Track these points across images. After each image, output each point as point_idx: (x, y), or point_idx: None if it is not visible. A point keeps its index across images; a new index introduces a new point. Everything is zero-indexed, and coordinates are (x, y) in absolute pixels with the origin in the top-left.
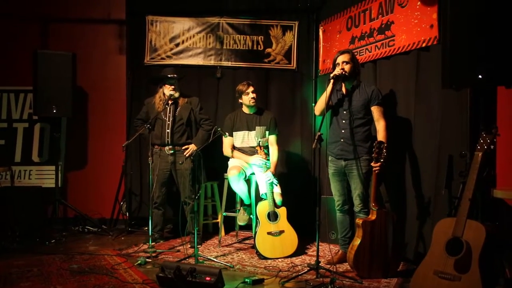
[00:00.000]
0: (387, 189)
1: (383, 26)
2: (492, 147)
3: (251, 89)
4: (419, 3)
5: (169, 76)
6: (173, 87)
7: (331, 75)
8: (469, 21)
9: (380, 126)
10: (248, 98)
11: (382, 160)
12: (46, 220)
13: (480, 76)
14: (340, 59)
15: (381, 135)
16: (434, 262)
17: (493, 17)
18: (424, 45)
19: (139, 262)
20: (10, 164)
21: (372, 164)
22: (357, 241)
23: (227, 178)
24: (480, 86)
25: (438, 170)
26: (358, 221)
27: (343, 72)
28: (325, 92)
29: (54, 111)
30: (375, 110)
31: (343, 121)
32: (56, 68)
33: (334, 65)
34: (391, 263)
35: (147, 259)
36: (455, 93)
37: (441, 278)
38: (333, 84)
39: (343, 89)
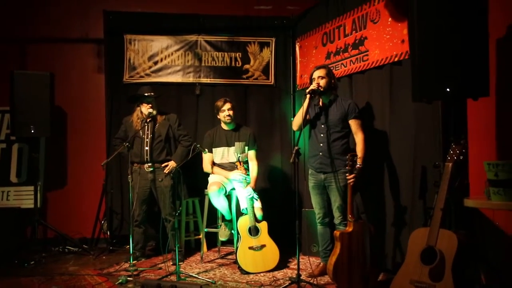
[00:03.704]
0: (366, 200)
1: (357, 41)
2: (461, 157)
3: (227, 106)
4: (390, 19)
5: (146, 94)
6: (150, 105)
7: (307, 90)
8: (436, 35)
9: (358, 139)
10: (223, 115)
11: (355, 172)
12: (25, 241)
13: (448, 89)
14: (316, 74)
15: (359, 148)
16: (410, 271)
17: (458, 32)
18: (396, 59)
19: (120, 281)
20: None
21: (347, 176)
22: (335, 253)
23: (207, 194)
24: (448, 99)
25: (413, 181)
26: (336, 233)
27: (319, 87)
28: (302, 107)
29: (32, 131)
30: (353, 124)
31: (321, 135)
32: (34, 88)
33: (311, 80)
34: (371, 274)
35: (128, 278)
36: (427, 105)
37: (417, 287)
38: (310, 99)
39: (320, 103)
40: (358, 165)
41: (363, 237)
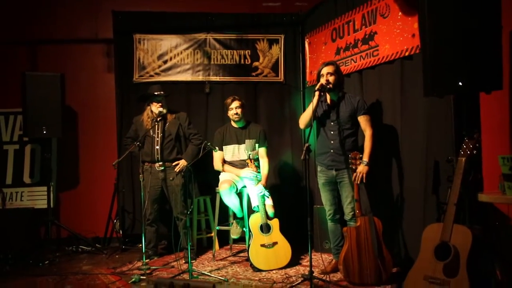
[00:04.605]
0: (378, 195)
1: (366, 36)
2: (475, 152)
3: (235, 104)
4: (400, 13)
5: (156, 93)
6: (160, 104)
7: (316, 87)
8: (447, 29)
9: (367, 135)
10: (232, 113)
11: (360, 169)
12: (39, 241)
13: (460, 83)
14: (325, 70)
15: (367, 143)
16: (424, 267)
17: (470, 24)
18: (407, 54)
19: (133, 279)
20: (2, 187)
21: (353, 174)
22: (344, 248)
23: (218, 192)
24: (461, 93)
25: (426, 176)
26: (344, 229)
27: (328, 84)
28: (311, 104)
29: (44, 132)
30: (362, 120)
31: (331, 132)
32: (45, 89)
33: (319, 76)
34: (384, 269)
35: (141, 277)
36: (439, 99)
37: (431, 283)
38: (319, 95)
39: (329, 101)
40: (363, 163)
41: (370, 232)
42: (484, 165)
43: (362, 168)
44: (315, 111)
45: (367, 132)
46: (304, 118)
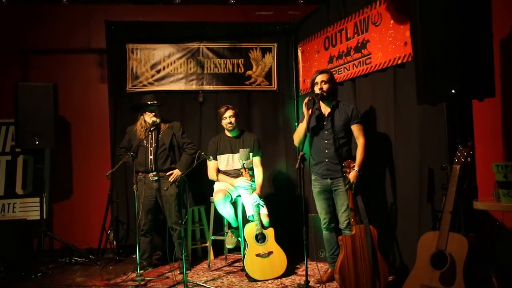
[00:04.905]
0: (373, 204)
1: (359, 44)
2: (469, 159)
3: (228, 113)
4: (392, 21)
5: (149, 103)
6: (153, 113)
7: (304, 101)
8: (439, 37)
9: (359, 144)
10: (225, 122)
11: (351, 179)
12: (32, 253)
13: (453, 91)
14: (319, 78)
15: (359, 152)
16: (420, 276)
17: (462, 32)
18: (399, 62)
19: None
20: None
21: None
22: (340, 257)
23: (213, 202)
24: (453, 101)
25: (420, 184)
26: (339, 238)
27: (323, 92)
28: (303, 122)
29: (37, 142)
30: (355, 129)
31: (326, 141)
32: (37, 100)
33: (313, 84)
34: (379, 277)
35: None
36: (432, 107)
37: None
38: (309, 109)
39: (323, 110)
40: (354, 171)
41: (366, 240)
42: (478, 173)
43: (352, 176)
44: (308, 123)
45: (360, 141)
46: (298, 135)
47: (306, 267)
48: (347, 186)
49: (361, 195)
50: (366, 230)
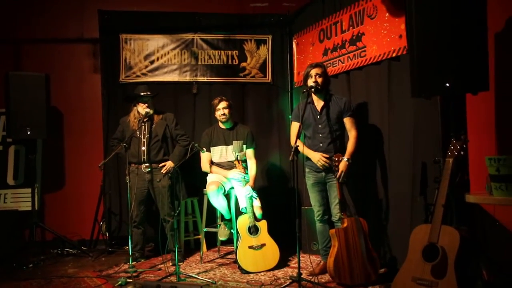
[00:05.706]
0: (365, 197)
1: (354, 37)
2: (462, 153)
3: (222, 105)
4: (387, 14)
5: (142, 94)
6: (146, 104)
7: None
8: (434, 30)
9: (351, 136)
10: (219, 114)
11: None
12: (23, 244)
13: (447, 84)
14: (314, 71)
15: (351, 143)
16: (412, 268)
17: (457, 26)
18: (394, 55)
19: (119, 282)
20: None
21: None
22: (334, 250)
23: (206, 194)
24: (447, 94)
25: (413, 177)
26: (331, 231)
27: (317, 85)
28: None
29: (29, 132)
30: (348, 121)
31: (320, 135)
32: (29, 90)
33: (306, 77)
34: (372, 269)
35: (127, 279)
36: (426, 100)
37: (419, 285)
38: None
39: (316, 103)
40: (344, 160)
41: (358, 232)
42: (471, 166)
43: (342, 165)
44: (302, 116)
45: (352, 133)
46: (294, 135)
47: (299, 260)
48: (338, 176)
49: (353, 188)
50: (357, 222)
